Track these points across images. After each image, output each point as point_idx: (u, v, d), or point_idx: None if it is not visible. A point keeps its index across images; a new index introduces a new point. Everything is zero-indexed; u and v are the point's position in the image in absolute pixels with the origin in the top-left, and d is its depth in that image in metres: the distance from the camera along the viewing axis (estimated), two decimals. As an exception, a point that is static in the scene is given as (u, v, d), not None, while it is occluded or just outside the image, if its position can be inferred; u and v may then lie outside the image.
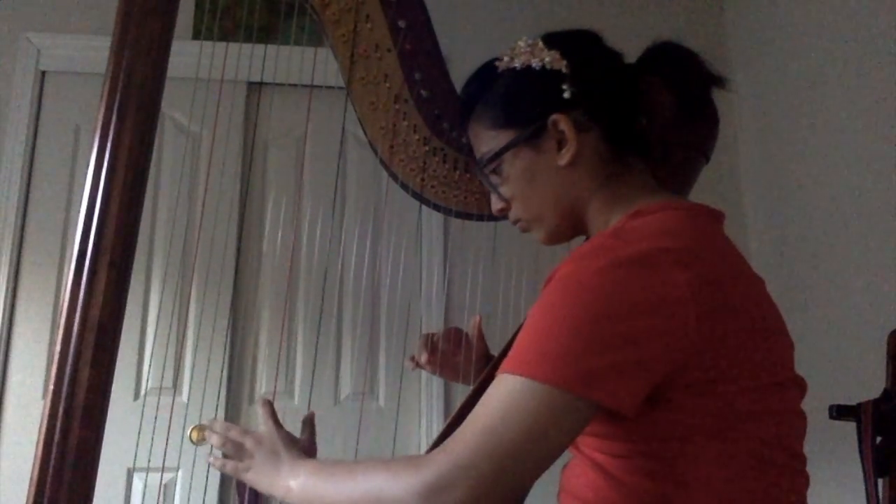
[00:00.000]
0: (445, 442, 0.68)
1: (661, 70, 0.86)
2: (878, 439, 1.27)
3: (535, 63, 0.83)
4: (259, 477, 0.86)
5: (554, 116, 0.81)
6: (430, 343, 1.13)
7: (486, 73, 0.88)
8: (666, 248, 0.70)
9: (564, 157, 0.81)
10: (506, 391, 0.67)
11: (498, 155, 0.85)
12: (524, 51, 0.84)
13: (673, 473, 0.70)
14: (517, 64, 0.84)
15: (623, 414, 0.67)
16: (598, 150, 0.82)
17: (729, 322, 0.70)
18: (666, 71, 0.86)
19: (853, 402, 1.32)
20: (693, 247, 0.72)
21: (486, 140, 0.87)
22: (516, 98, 0.85)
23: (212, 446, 0.91)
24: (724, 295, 0.70)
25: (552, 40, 0.84)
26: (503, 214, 0.90)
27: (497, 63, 0.87)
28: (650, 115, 0.85)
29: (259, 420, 0.93)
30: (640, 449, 0.71)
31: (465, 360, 1.12)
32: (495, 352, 1.11)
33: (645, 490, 0.71)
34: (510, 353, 0.70)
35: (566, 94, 0.81)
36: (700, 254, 0.72)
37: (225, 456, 0.91)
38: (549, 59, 0.82)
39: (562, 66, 0.82)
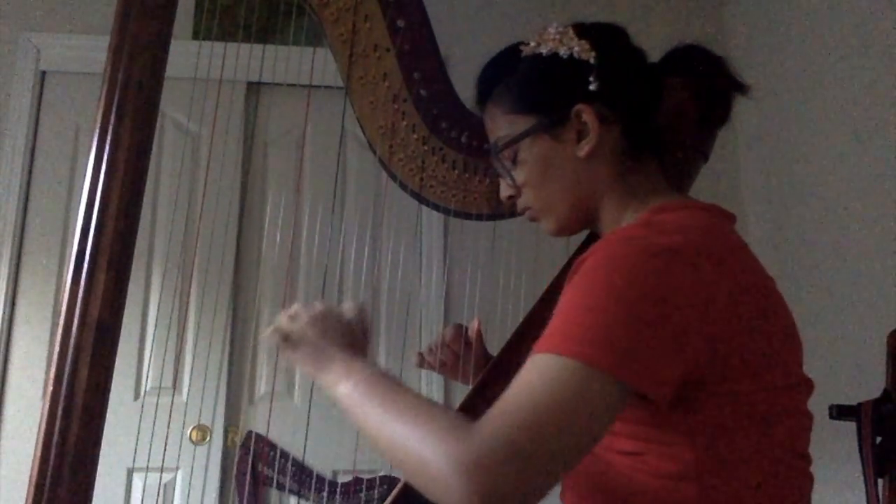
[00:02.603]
0: (485, 417, 0.64)
1: (687, 72, 0.85)
2: (878, 439, 1.27)
3: (563, 51, 0.81)
4: (307, 366, 0.82)
5: (578, 107, 0.80)
6: (444, 346, 1.11)
7: (510, 57, 0.86)
8: (698, 244, 0.70)
9: (583, 149, 0.80)
10: (541, 369, 0.65)
11: (515, 140, 0.83)
12: (553, 37, 0.83)
13: (688, 475, 0.69)
14: (544, 50, 0.83)
15: (653, 399, 0.66)
16: (615, 145, 0.81)
17: (752, 322, 0.70)
18: (692, 74, 0.85)
19: (853, 402, 1.32)
20: (720, 246, 0.72)
21: (504, 124, 0.85)
22: (540, 84, 0.83)
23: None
24: (748, 295, 0.70)
25: (582, 30, 0.83)
26: (511, 202, 0.88)
27: (522, 47, 0.85)
28: (670, 115, 0.85)
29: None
30: (655, 448, 0.70)
31: (464, 360, 1.12)
32: (494, 352, 1.11)
33: (660, 491, 0.69)
34: (544, 334, 0.67)
35: (592, 86, 0.80)
36: (726, 253, 0.72)
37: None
38: (577, 48, 0.81)
39: (590, 56, 0.80)
